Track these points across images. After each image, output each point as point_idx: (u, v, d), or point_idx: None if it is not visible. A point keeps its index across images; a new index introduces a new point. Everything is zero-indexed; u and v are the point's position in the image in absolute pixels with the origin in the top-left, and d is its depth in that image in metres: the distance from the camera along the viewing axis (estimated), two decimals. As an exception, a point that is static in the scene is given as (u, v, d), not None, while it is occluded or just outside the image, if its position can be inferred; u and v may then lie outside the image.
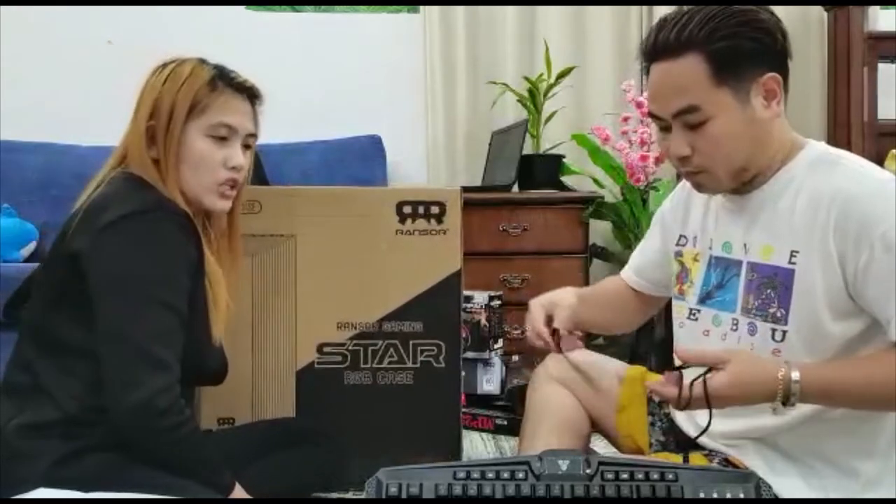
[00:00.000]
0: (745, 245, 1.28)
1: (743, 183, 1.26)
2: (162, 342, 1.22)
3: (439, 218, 1.70)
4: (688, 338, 1.37)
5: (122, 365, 1.21)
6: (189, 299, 1.29)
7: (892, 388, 1.12)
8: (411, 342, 1.69)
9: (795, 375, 1.12)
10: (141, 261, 1.24)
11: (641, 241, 1.61)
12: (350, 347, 1.68)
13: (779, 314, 1.22)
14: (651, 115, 1.27)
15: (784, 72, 1.21)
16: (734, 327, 1.28)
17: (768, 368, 1.14)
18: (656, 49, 1.22)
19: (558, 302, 1.54)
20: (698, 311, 1.35)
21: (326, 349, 1.68)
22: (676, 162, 1.27)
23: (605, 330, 1.57)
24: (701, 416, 1.32)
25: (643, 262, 1.57)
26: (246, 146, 1.40)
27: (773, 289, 1.23)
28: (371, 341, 1.69)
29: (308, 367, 1.68)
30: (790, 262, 1.20)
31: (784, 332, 1.21)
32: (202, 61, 1.38)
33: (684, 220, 1.43)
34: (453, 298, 1.69)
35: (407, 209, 1.68)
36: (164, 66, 1.38)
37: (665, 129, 1.25)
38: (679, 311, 1.40)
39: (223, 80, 1.37)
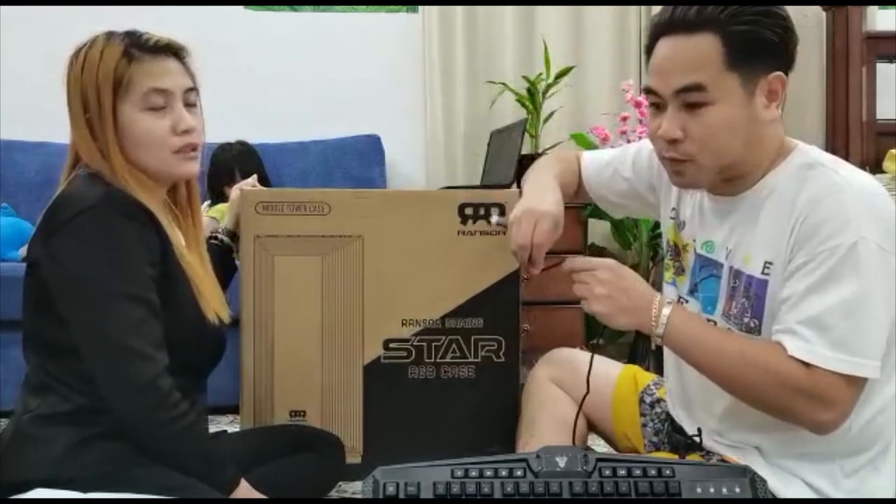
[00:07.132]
0: (727, 249, 1.25)
1: (724, 181, 1.23)
2: (136, 333, 1.21)
3: None
4: None
5: (103, 364, 1.21)
6: (165, 286, 1.27)
7: (758, 369, 1.13)
8: (473, 338, 1.75)
9: (666, 312, 1.18)
10: (94, 258, 1.21)
11: (612, 154, 1.58)
12: (414, 343, 1.74)
13: (752, 324, 1.20)
14: (648, 90, 1.22)
15: (787, 75, 1.18)
16: None
17: (646, 292, 1.22)
18: (672, 23, 1.17)
19: (543, 213, 1.44)
20: (686, 301, 1.34)
21: (392, 345, 1.74)
22: (663, 145, 1.21)
23: None
24: (699, 418, 1.32)
25: (601, 178, 1.57)
26: (190, 104, 1.34)
27: (747, 298, 1.21)
28: (434, 337, 1.74)
29: (374, 362, 1.74)
30: (763, 273, 1.18)
31: None
32: (109, 35, 1.31)
33: (678, 196, 1.38)
34: (512, 296, 1.75)
35: (468, 210, 1.73)
36: (77, 53, 1.32)
37: (658, 107, 1.21)
38: (669, 295, 1.37)
39: (136, 47, 1.30)
